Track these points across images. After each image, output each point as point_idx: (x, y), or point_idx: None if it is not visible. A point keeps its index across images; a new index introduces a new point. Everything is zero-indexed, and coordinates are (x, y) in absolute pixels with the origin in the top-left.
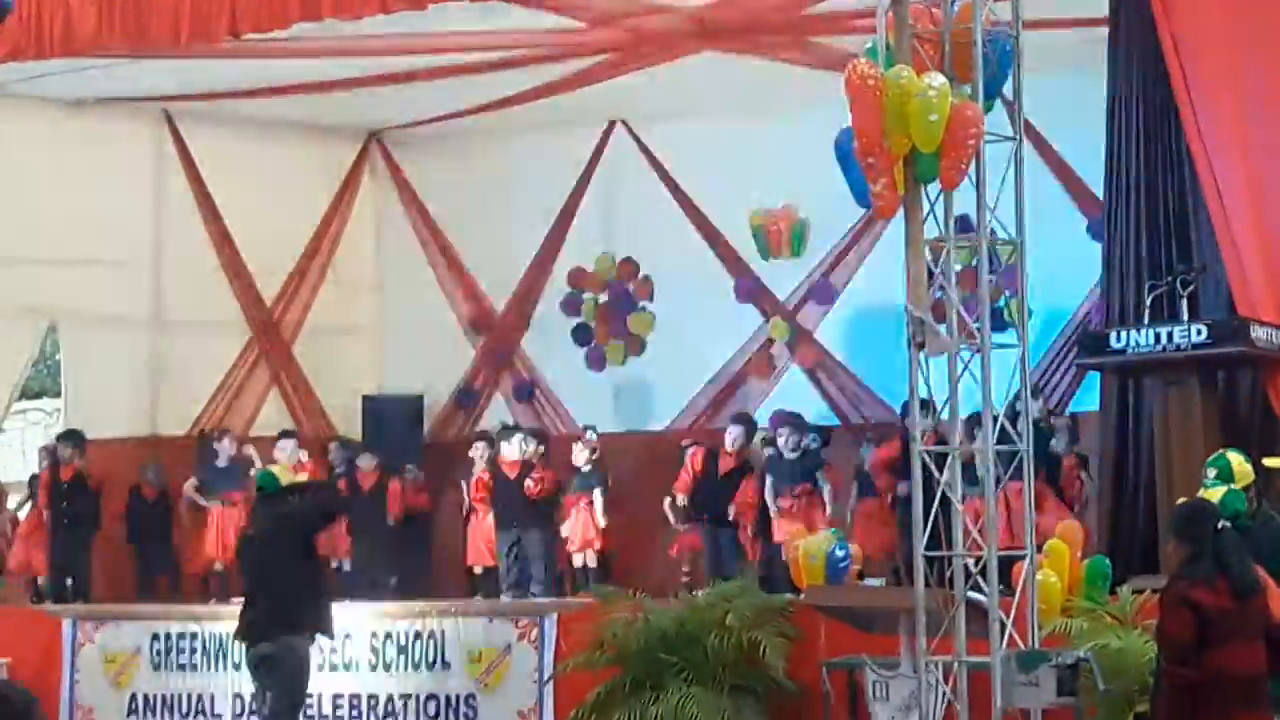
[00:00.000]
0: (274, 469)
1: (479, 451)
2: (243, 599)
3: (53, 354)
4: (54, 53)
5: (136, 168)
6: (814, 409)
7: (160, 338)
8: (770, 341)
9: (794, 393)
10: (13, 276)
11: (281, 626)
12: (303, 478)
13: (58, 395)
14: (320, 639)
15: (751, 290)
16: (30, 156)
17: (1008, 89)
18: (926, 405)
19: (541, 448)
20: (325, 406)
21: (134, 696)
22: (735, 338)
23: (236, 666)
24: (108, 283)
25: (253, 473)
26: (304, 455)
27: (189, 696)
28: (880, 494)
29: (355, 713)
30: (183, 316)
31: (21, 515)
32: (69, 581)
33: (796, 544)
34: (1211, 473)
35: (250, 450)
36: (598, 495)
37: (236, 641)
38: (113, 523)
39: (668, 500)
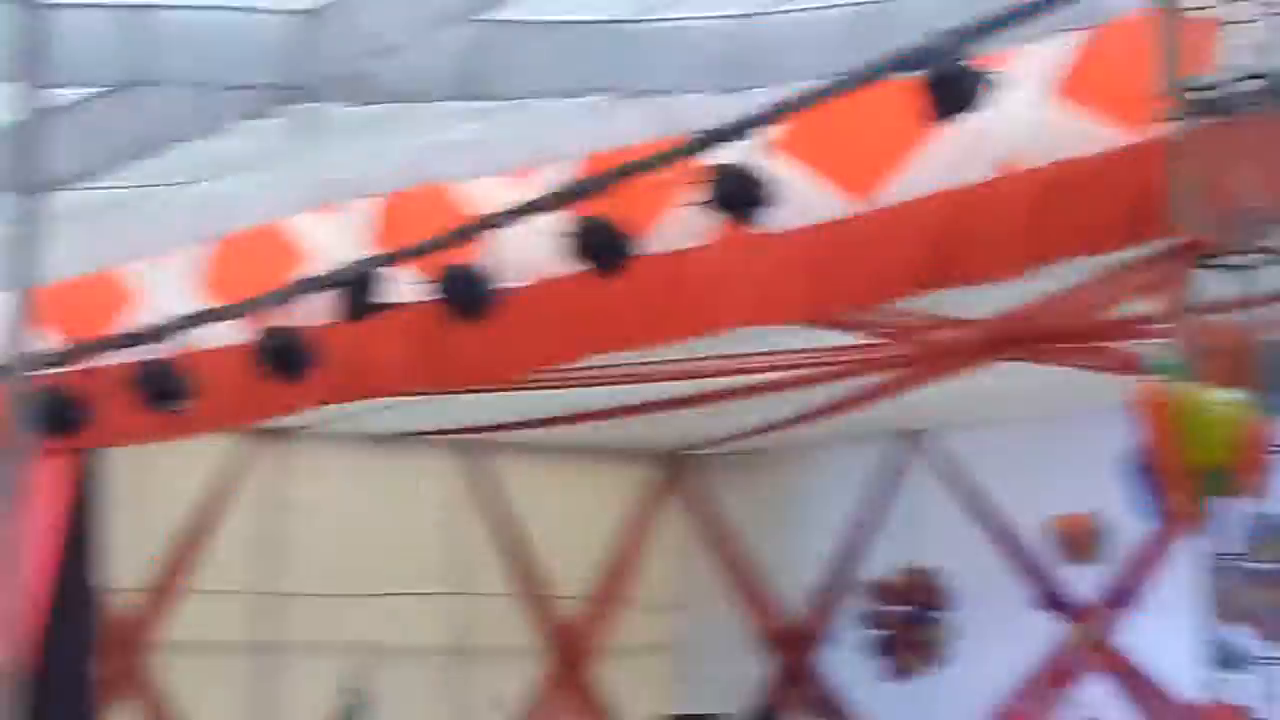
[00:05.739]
0: None
1: None
2: None
3: (364, 689)
4: (362, 396)
5: (436, 497)
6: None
7: (463, 665)
8: (1071, 648)
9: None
10: (321, 612)
11: None
12: None
13: None
14: None
15: (1050, 597)
16: (333, 492)
17: None
18: None
19: None
20: None
21: None
22: (1034, 645)
23: None
24: (410, 614)
25: None
26: None
27: None
28: None
29: None
30: (483, 643)
31: None
32: None
33: None
34: None
35: None
36: None
37: None
38: None
39: None
